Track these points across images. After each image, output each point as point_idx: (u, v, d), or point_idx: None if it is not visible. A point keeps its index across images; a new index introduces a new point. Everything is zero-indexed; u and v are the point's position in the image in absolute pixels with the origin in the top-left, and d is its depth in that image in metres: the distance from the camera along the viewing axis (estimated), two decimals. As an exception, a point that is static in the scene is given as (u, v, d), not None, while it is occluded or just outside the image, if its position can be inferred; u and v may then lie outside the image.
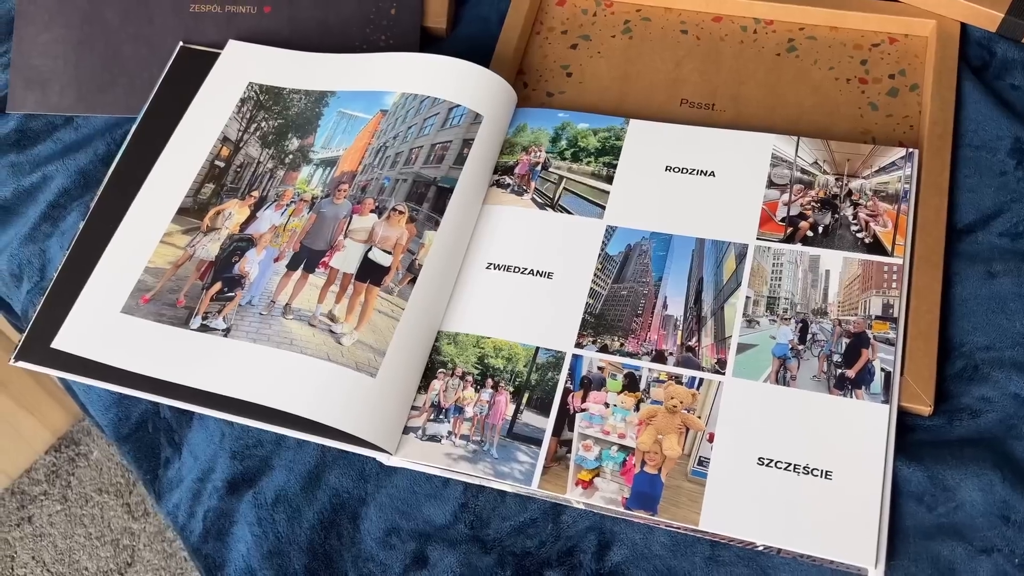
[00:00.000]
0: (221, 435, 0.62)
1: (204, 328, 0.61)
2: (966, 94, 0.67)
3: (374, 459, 0.60)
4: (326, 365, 0.58)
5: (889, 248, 0.60)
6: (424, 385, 0.60)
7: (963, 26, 0.70)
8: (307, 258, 0.63)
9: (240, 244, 0.65)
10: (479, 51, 0.76)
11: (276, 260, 0.63)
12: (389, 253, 0.62)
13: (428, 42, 0.78)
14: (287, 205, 0.66)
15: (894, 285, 0.59)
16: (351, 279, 0.61)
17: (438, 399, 0.60)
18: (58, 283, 0.65)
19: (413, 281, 0.61)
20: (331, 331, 0.59)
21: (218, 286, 0.63)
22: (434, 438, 0.58)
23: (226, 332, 0.60)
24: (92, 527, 1.18)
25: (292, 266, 0.63)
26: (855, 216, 0.62)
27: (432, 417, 0.59)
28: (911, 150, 0.63)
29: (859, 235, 0.61)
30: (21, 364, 0.63)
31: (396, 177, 0.65)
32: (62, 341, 0.62)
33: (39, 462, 1.25)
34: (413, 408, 0.59)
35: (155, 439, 0.66)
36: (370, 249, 0.63)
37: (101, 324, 0.63)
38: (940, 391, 0.57)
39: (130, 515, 1.19)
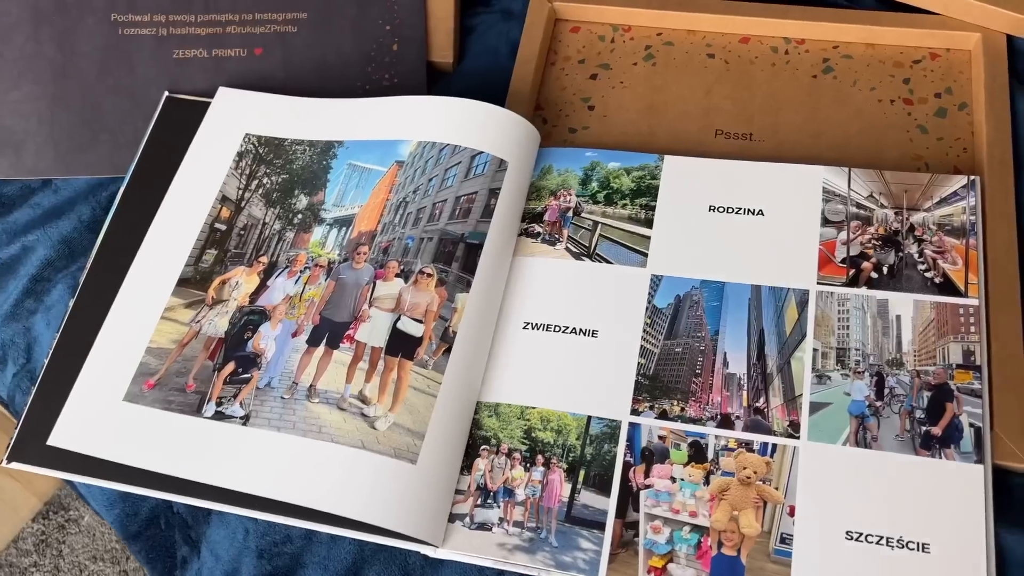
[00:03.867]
0: (245, 532, 0.57)
1: (220, 416, 0.55)
2: (1020, 112, 0.63)
3: (418, 551, 0.54)
4: (361, 454, 0.52)
5: (962, 288, 0.56)
6: (467, 465, 0.55)
7: (1009, 38, 0.66)
8: (329, 331, 0.57)
9: (252, 318, 0.59)
10: (490, 85, 0.70)
11: (294, 335, 0.58)
12: (420, 322, 0.57)
13: (434, 78, 0.73)
14: (301, 271, 0.60)
15: (972, 329, 0.54)
16: (381, 353, 0.56)
17: (483, 481, 0.54)
18: (50, 370, 0.59)
19: (448, 351, 0.56)
20: (363, 414, 0.54)
21: (231, 366, 0.57)
22: (484, 526, 0.53)
23: (245, 420, 0.55)
24: (88, 598, 1.11)
25: (313, 341, 0.57)
26: (921, 253, 0.57)
27: (479, 502, 0.54)
28: (973, 177, 0.59)
29: (928, 274, 0.57)
30: (15, 465, 0.57)
31: (420, 236, 0.60)
32: (59, 437, 0.56)
33: (26, 531, 1.18)
34: (457, 492, 0.54)
35: (169, 537, 0.60)
36: (399, 319, 0.57)
37: (102, 415, 0.57)
38: (1033, 444, 0.52)
39: (128, 583, 1.12)
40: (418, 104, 0.64)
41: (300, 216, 0.63)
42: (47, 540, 1.16)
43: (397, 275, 0.58)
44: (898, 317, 0.56)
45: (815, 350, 0.55)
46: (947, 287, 0.56)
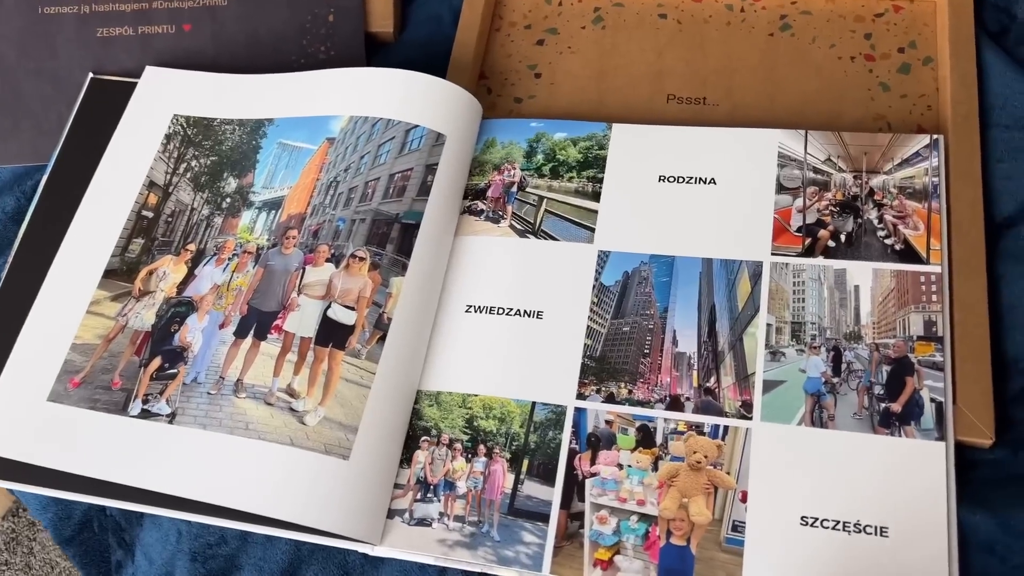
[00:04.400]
0: (178, 534, 0.54)
1: (146, 414, 0.52)
2: (988, 65, 0.59)
3: (357, 550, 0.52)
4: (290, 451, 0.49)
5: (924, 254, 0.52)
6: (407, 457, 0.52)
7: (976, -13, 0.62)
8: (257, 322, 0.54)
9: (179, 310, 0.56)
10: (433, 55, 0.67)
11: (221, 326, 0.55)
12: (352, 309, 0.54)
13: (374, 49, 0.69)
14: (229, 259, 0.57)
15: (935, 298, 0.51)
16: (310, 344, 0.53)
17: (423, 474, 0.52)
18: (-29, 370, 0.56)
19: (383, 339, 0.53)
20: (292, 409, 0.51)
21: (157, 362, 0.54)
22: (424, 522, 0.50)
23: (171, 418, 0.52)
24: (61, 595, 1.10)
25: (240, 333, 0.54)
26: (881, 219, 0.54)
27: (419, 496, 0.51)
28: (935, 136, 0.56)
29: (888, 241, 0.53)
30: (-65, 472, 0.54)
31: (352, 217, 0.57)
32: (-19, 441, 0.54)
33: (-3, 528, 1.15)
34: (396, 486, 0.51)
35: (102, 540, 0.57)
36: (329, 306, 0.54)
37: (25, 416, 0.54)
38: (999, 417, 0.49)
39: (101, 577, 1.10)
40: (349, 77, 0.60)
41: (229, 200, 0.60)
42: (17, 538, 1.15)
43: (328, 260, 0.55)
44: (856, 287, 0.52)
45: (769, 325, 0.52)
46: (908, 254, 0.53)
